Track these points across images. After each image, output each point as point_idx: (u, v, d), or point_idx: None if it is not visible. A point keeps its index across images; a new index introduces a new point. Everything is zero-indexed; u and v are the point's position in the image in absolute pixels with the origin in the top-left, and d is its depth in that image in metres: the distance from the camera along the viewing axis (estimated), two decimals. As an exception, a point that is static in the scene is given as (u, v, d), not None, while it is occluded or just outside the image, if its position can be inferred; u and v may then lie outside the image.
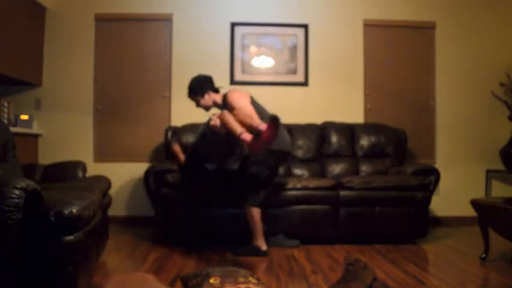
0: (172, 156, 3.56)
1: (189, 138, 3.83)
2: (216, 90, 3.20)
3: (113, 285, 1.75)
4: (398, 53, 4.39)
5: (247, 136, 2.64)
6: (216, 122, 2.85)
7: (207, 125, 2.97)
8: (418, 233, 3.43)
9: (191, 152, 3.25)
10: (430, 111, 4.40)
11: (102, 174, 3.07)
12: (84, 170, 2.96)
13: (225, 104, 3.05)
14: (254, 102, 3.05)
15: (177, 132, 3.89)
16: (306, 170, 3.89)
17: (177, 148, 3.54)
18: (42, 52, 4.12)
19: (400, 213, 3.37)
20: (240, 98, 3.00)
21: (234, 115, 2.79)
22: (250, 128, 2.68)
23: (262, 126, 2.59)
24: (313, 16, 4.33)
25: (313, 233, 3.34)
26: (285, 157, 3.21)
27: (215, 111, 3.18)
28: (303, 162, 3.95)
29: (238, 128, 2.69)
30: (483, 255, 2.87)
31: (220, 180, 3.28)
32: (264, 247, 3.00)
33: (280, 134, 2.97)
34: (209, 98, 3.16)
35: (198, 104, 3.21)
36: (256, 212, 2.97)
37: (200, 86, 3.15)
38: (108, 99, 4.20)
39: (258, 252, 2.97)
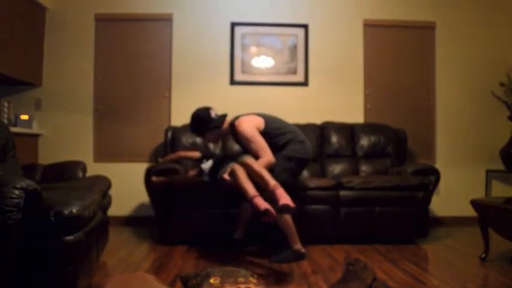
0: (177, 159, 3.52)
1: (189, 139, 3.84)
2: (218, 126, 2.99)
3: (112, 285, 1.75)
4: (398, 53, 4.39)
5: (260, 202, 2.38)
6: (227, 176, 2.65)
7: (220, 179, 2.72)
8: (418, 233, 3.43)
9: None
10: (430, 111, 4.40)
11: (102, 174, 3.07)
12: (84, 170, 2.96)
13: (234, 134, 2.94)
14: (271, 121, 2.94)
15: (177, 132, 3.90)
16: (306, 169, 3.88)
17: (183, 153, 3.52)
18: (42, 52, 4.12)
19: (400, 213, 3.37)
20: (251, 129, 2.83)
21: (248, 167, 2.60)
22: (262, 184, 2.51)
23: (278, 190, 2.42)
24: (313, 16, 4.33)
25: (313, 233, 3.34)
26: (306, 164, 3.12)
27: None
28: (303, 162, 3.94)
29: (250, 190, 2.45)
30: (483, 255, 2.87)
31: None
32: (303, 249, 2.76)
33: (306, 145, 2.97)
34: (210, 136, 3.05)
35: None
36: (288, 217, 2.80)
37: (197, 129, 3.04)
38: (108, 99, 4.20)
39: (301, 255, 2.73)
